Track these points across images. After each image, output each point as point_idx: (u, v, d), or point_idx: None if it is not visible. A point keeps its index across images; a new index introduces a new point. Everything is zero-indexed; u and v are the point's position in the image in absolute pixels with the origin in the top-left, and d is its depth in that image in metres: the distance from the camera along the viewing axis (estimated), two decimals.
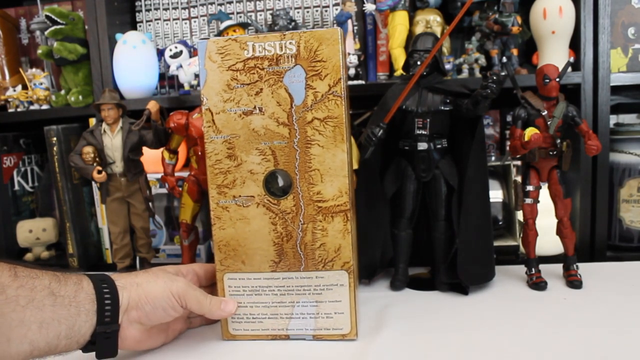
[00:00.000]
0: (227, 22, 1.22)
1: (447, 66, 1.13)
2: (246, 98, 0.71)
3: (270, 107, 0.71)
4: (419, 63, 0.89)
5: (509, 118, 1.25)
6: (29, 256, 1.30)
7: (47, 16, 1.19)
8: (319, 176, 0.71)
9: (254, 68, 0.70)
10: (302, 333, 0.75)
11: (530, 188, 0.91)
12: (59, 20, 1.19)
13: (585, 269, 0.93)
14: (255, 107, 0.71)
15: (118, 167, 1.00)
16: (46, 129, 1.20)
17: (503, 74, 0.84)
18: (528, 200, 0.91)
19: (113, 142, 0.98)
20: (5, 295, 0.56)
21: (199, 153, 0.99)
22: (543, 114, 0.88)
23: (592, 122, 1.05)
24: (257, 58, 0.70)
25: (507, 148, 1.24)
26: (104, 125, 0.99)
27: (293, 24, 1.20)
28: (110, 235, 1.06)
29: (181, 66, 1.22)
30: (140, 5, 1.32)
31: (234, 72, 0.71)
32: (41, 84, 1.28)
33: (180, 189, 1.03)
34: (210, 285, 0.79)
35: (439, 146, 0.91)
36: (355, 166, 0.96)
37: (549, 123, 0.87)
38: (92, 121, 1.21)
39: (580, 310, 0.80)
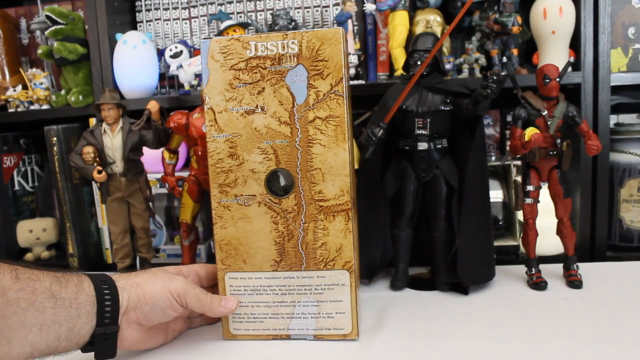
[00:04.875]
0: (227, 22, 1.22)
1: (447, 66, 1.13)
2: (248, 97, 0.71)
3: (272, 106, 0.71)
4: (419, 63, 0.89)
5: (509, 118, 1.25)
6: (29, 256, 1.30)
7: (47, 16, 1.19)
8: (321, 175, 0.71)
9: (256, 67, 0.71)
10: (303, 333, 0.75)
11: (530, 188, 0.91)
12: (59, 20, 1.19)
13: (585, 269, 0.93)
14: (257, 106, 0.71)
15: (118, 167, 1.00)
16: (46, 129, 1.20)
17: (503, 73, 0.84)
18: (528, 200, 0.91)
19: (113, 142, 0.98)
20: (6, 297, 0.56)
21: (199, 153, 0.99)
22: (543, 113, 0.88)
23: (592, 122, 1.06)
24: (259, 57, 0.70)
25: (507, 148, 1.24)
26: (104, 125, 0.99)
27: (293, 24, 1.20)
28: (111, 235, 1.06)
29: (181, 66, 1.22)
30: (140, 5, 1.32)
31: (236, 72, 0.71)
32: (41, 84, 1.28)
33: (180, 189, 1.03)
34: (212, 286, 0.79)
35: (439, 146, 0.91)
36: (356, 166, 0.96)
37: (549, 123, 0.87)
38: (92, 121, 1.21)
39: (580, 310, 0.80)
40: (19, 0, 1.41)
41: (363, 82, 1.16)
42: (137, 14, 1.32)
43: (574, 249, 0.92)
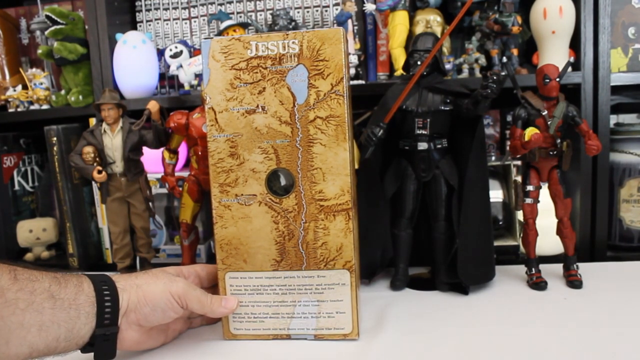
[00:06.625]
0: (227, 22, 1.22)
1: (447, 66, 1.13)
2: (249, 97, 0.71)
3: (273, 106, 0.71)
4: (419, 63, 0.89)
5: (509, 118, 1.25)
6: (29, 256, 1.30)
7: (47, 16, 1.19)
8: (321, 175, 0.71)
9: (257, 67, 0.71)
10: (303, 333, 0.75)
11: (530, 188, 0.91)
12: (59, 20, 1.19)
13: (585, 269, 0.93)
14: (258, 106, 0.71)
15: (118, 167, 0.99)
16: (46, 129, 1.20)
17: (503, 73, 0.84)
18: (528, 200, 0.91)
19: (113, 142, 0.98)
20: (4, 298, 0.56)
21: (199, 153, 0.99)
22: (543, 113, 0.88)
23: (592, 122, 1.06)
24: (260, 57, 0.70)
25: (507, 148, 1.24)
26: (104, 125, 0.99)
27: (293, 24, 1.20)
28: (111, 235, 1.06)
29: (181, 66, 1.22)
30: (140, 5, 1.32)
31: (237, 71, 0.71)
32: (41, 83, 1.28)
33: (180, 189, 1.03)
34: (212, 287, 0.79)
35: (439, 146, 0.91)
36: (356, 166, 0.96)
37: (549, 123, 0.87)
38: (92, 121, 1.21)
39: (580, 310, 0.80)
40: (19, 0, 1.41)
41: (363, 82, 1.16)
42: (137, 14, 1.32)
43: (574, 249, 0.92)
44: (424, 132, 0.90)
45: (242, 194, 0.73)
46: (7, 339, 0.56)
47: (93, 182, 1.12)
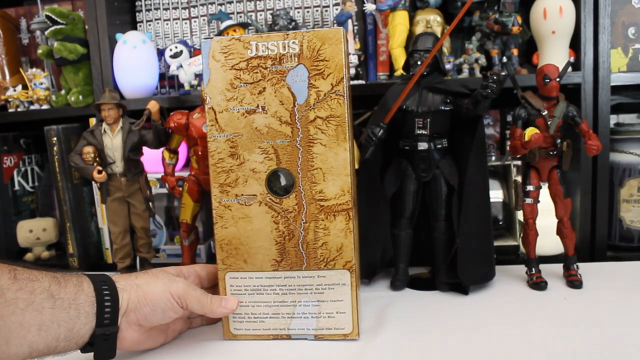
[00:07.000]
0: (227, 22, 1.22)
1: (448, 66, 1.13)
2: (249, 97, 0.71)
3: (273, 106, 0.71)
4: (419, 63, 0.89)
5: (509, 118, 1.25)
6: (29, 256, 1.30)
7: (47, 16, 1.19)
8: (321, 175, 0.71)
9: (257, 67, 0.71)
10: (303, 333, 0.75)
11: (530, 188, 0.91)
12: (59, 20, 1.19)
13: (585, 269, 0.93)
14: (258, 106, 0.71)
15: (118, 167, 0.99)
16: (46, 129, 1.20)
17: (503, 73, 0.85)
18: (528, 200, 0.91)
19: (113, 142, 0.98)
20: (4, 298, 0.56)
21: (199, 153, 0.99)
22: (543, 113, 0.88)
23: (592, 122, 1.06)
24: (260, 57, 0.70)
25: (508, 148, 1.25)
26: (104, 125, 0.99)
27: (293, 24, 1.20)
28: (111, 235, 1.06)
29: (181, 66, 1.22)
30: (140, 5, 1.32)
31: (237, 71, 0.71)
32: (41, 83, 1.28)
33: (181, 189, 1.03)
34: (212, 287, 0.79)
35: (439, 146, 0.91)
36: (356, 166, 0.96)
37: (549, 123, 0.87)
38: (92, 121, 1.21)
39: (580, 310, 0.80)
40: (19, 0, 1.41)
41: (363, 82, 1.16)
42: (137, 14, 1.32)
43: (574, 249, 0.92)
44: (424, 132, 0.90)
45: (242, 194, 0.73)
46: (7, 339, 0.56)
47: (93, 182, 1.12)
